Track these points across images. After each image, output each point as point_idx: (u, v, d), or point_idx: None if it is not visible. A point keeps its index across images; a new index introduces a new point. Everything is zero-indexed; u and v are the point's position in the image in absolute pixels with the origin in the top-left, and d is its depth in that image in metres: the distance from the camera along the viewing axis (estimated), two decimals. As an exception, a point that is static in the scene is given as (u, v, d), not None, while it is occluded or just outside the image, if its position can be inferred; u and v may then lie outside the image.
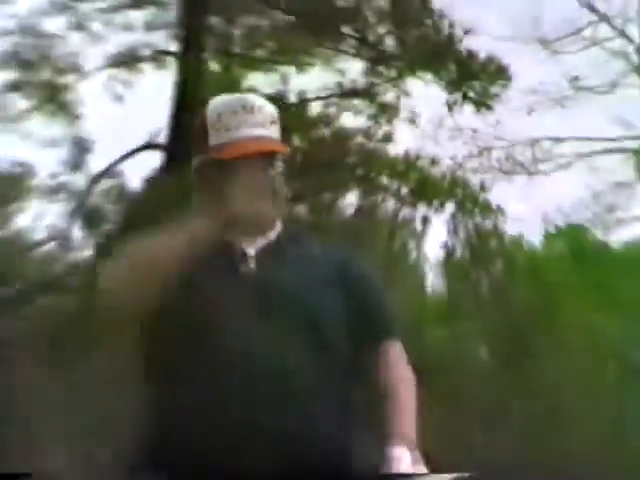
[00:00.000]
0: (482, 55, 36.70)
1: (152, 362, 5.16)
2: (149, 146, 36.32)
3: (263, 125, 5.34)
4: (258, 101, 5.55)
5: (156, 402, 5.02)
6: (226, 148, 5.19)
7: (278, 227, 5.49)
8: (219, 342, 4.97)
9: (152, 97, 37.10)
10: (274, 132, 5.40)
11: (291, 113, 38.39)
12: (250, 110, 5.38)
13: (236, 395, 4.88)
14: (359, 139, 38.36)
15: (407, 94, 37.33)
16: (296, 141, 39.12)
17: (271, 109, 5.50)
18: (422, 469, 4.81)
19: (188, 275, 5.04)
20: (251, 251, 5.26)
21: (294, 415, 4.86)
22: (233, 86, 36.45)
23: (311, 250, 5.52)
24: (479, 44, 38.61)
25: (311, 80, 36.94)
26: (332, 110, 39.07)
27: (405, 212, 40.14)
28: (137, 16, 36.80)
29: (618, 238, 43.02)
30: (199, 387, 4.94)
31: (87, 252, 37.45)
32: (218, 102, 5.38)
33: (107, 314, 5.49)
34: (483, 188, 37.35)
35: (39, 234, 39.49)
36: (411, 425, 5.05)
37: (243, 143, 5.22)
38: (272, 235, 5.43)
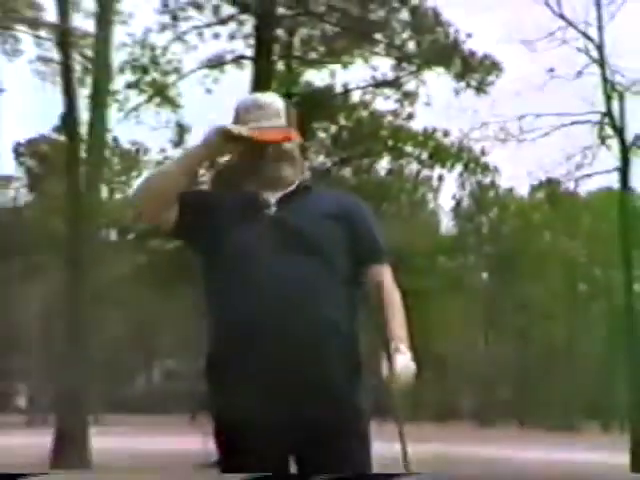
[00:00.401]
0: (480, 53, 40.97)
1: (206, 277, 5.86)
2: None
3: (269, 118, 5.74)
4: (267, 99, 6.05)
5: (207, 309, 5.77)
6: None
7: (294, 184, 5.85)
8: (249, 264, 5.56)
9: (234, 91, 36.64)
10: (278, 122, 5.76)
11: (338, 100, 40.11)
12: (259, 107, 5.85)
13: (263, 300, 5.44)
14: (389, 118, 41.49)
15: (424, 83, 42.06)
16: (342, 120, 40.66)
17: (277, 105, 5.89)
18: (412, 365, 5.38)
19: (228, 214, 5.76)
20: (272, 199, 5.74)
21: (304, 311, 5.43)
22: (294, 81, 42.60)
23: (318, 197, 5.92)
24: (478, 45, 42.98)
25: (352, 74, 39.68)
26: (368, 96, 44.59)
27: (424, 172, 43.73)
28: (222, 30, 40.53)
29: (584, 188, 45.08)
30: (236, 294, 5.55)
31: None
32: (239, 101, 5.95)
33: (136, 217, 6.67)
34: (483, 153, 41.28)
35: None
36: (404, 329, 5.57)
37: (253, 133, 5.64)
38: (287, 188, 5.79)
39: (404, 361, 5.30)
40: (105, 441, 36.82)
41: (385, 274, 5.70)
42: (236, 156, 5.89)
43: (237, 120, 5.77)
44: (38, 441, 34.23)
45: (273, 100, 5.93)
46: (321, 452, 5.46)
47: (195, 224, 5.71)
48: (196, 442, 38.09)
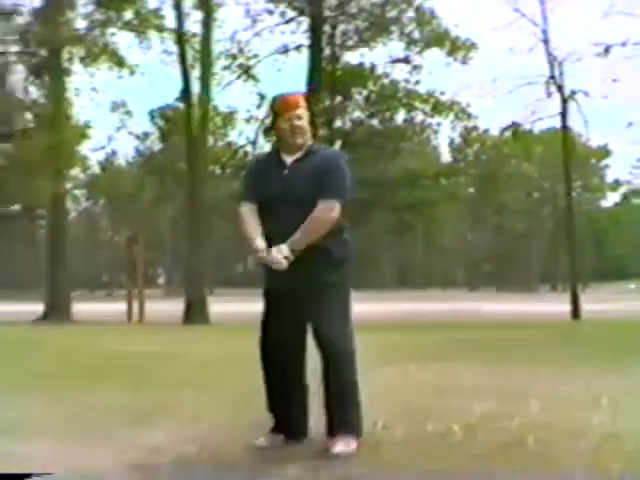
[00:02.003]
0: (463, 38, 40.14)
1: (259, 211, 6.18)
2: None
3: (295, 108, 6.03)
4: (292, 96, 6.28)
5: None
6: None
7: (305, 148, 6.10)
8: (270, 208, 5.99)
9: (297, 70, 38.99)
10: (300, 110, 6.04)
11: (367, 72, 40.22)
12: (285, 101, 6.15)
13: (276, 230, 5.90)
14: (402, 84, 41.70)
15: (425, 59, 42.38)
16: (370, 86, 41.48)
17: (298, 100, 6.18)
18: (284, 261, 5.78)
19: (267, 174, 6.14)
20: (288, 161, 6.11)
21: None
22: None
23: (314, 157, 6.07)
24: (461, 31, 42.57)
25: (376, 55, 39.79)
26: (388, 69, 44.47)
27: (428, 120, 43.64)
28: (286, 28, 41.14)
29: (537, 128, 44.56)
30: (266, 225, 6.00)
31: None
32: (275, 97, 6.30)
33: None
34: (467, 106, 40.06)
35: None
36: (303, 239, 5.82)
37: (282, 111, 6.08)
38: (299, 154, 6.08)
39: (274, 252, 5.77)
40: (217, 306, 37.36)
41: (319, 206, 5.86)
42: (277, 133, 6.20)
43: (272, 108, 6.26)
44: (173, 307, 34.74)
45: (295, 96, 6.21)
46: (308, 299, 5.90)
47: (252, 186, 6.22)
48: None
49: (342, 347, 5.86)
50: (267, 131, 44.81)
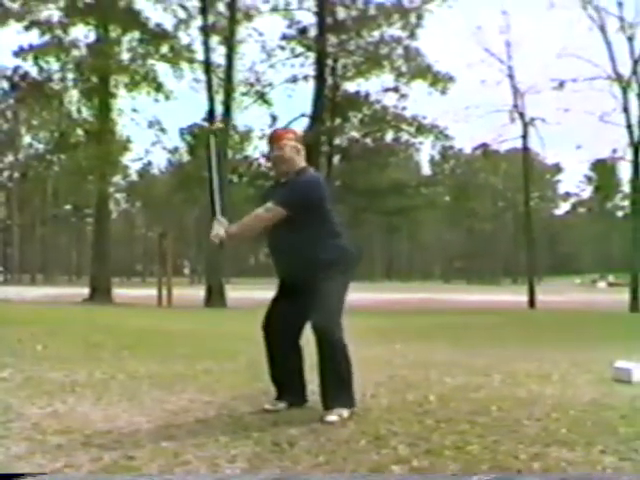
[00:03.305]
0: (443, 72, 39.74)
1: None
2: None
3: (278, 140, 6.03)
4: (278, 131, 6.66)
5: None
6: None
7: (291, 175, 5.99)
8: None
9: (304, 96, 39.48)
10: (282, 142, 6.00)
11: (362, 98, 39.95)
12: (272, 135, 6.31)
13: (274, 248, 6.09)
14: (392, 109, 42.23)
15: (411, 88, 42.77)
16: (365, 110, 41.46)
17: (281, 134, 6.25)
18: (222, 231, 5.98)
19: (271, 191, 6.11)
20: (282, 181, 6.09)
21: (286, 252, 5.97)
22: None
23: (290, 183, 5.94)
24: (441, 66, 42.22)
25: (371, 84, 39.51)
26: (380, 96, 44.35)
27: (412, 140, 43.21)
28: (296, 61, 41.20)
29: (503, 147, 44.14)
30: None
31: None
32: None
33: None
34: (446, 128, 39.78)
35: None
36: (238, 226, 5.99)
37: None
38: (286, 178, 6.00)
39: (217, 222, 5.91)
40: (233, 292, 37.49)
41: (271, 205, 5.81)
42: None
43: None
44: (197, 293, 34.83)
45: (279, 134, 6.22)
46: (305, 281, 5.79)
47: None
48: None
49: (330, 334, 5.72)
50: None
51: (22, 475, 4.07)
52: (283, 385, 6.12)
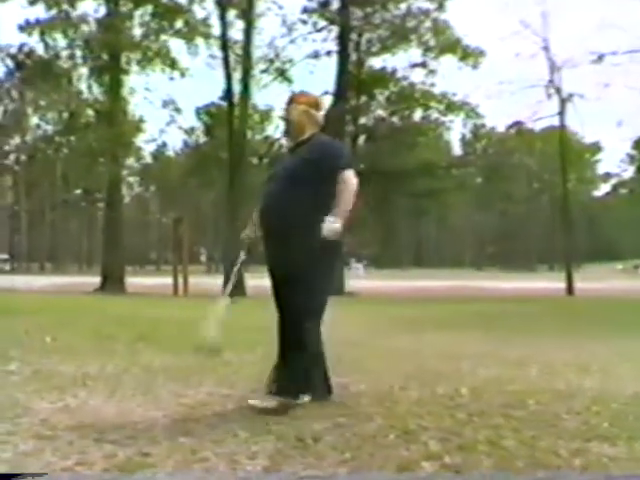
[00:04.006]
0: (473, 45, 41.06)
1: None
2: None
3: (288, 104, 6.21)
4: (294, 94, 6.73)
5: None
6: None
7: (304, 135, 6.18)
8: (270, 183, 6.23)
9: (327, 72, 39.52)
10: (291, 106, 6.16)
11: (389, 75, 39.72)
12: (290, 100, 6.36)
13: (261, 211, 6.18)
14: (420, 85, 43.73)
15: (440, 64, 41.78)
16: (392, 87, 41.95)
17: (292, 97, 6.38)
18: (337, 225, 5.77)
19: (283, 156, 7.29)
20: (292, 145, 6.34)
21: (281, 207, 5.96)
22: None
23: (310, 145, 6.09)
24: (472, 40, 41.40)
25: (397, 60, 39.44)
26: (407, 73, 44.03)
27: (442, 118, 42.92)
28: (318, 36, 40.41)
29: (538, 125, 43.82)
30: (262, 197, 6.23)
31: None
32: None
33: None
34: (477, 106, 39.47)
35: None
36: (338, 208, 5.81)
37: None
38: (300, 139, 6.18)
39: (327, 223, 5.65)
40: (252, 281, 37.46)
41: (345, 175, 5.83)
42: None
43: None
44: (214, 281, 34.84)
45: (296, 95, 6.44)
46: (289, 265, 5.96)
47: None
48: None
49: (303, 319, 5.82)
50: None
51: (22, 475, 4.08)
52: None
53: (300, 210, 5.86)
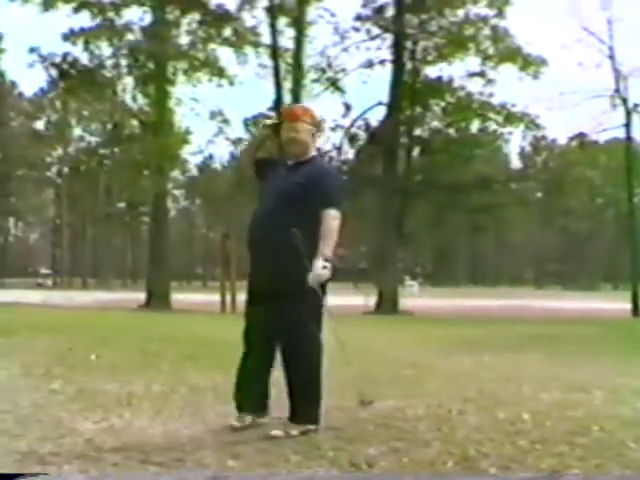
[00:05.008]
0: (534, 54, 41.02)
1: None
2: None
3: (295, 120, 6.30)
4: (296, 108, 7.08)
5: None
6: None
7: (307, 156, 6.33)
8: (263, 201, 6.34)
9: (381, 82, 39.40)
10: (299, 123, 6.26)
11: (445, 85, 39.75)
12: (290, 112, 6.71)
13: (261, 222, 6.21)
14: (477, 96, 43.94)
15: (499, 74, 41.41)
16: (448, 98, 41.57)
17: (300, 114, 6.46)
18: (326, 272, 5.87)
19: (272, 170, 6.43)
20: (289, 165, 6.36)
21: (275, 230, 6.01)
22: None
23: (308, 167, 6.24)
24: (533, 48, 41.45)
25: (454, 69, 39.64)
26: (464, 82, 43.33)
27: (500, 130, 42.55)
28: (371, 44, 40.78)
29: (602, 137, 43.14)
30: (255, 216, 6.34)
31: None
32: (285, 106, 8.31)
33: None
34: (537, 117, 39.13)
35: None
36: (325, 248, 5.91)
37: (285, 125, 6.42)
38: (301, 160, 6.31)
39: (315, 267, 5.76)
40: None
41: (326, 215, 5.96)
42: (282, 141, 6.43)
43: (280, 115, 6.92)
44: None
45: (302, 110, 6.57)
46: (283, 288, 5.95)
47: (259, 174, 6.57)
48: (359, 300, 38.22)
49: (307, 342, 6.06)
50: (352, 139, 46.12)
51: (22, 475, 4.22)
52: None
53: (290, 234, 5.91)
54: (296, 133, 6.23)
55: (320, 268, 5.81)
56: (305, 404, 6.00)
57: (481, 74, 41.23)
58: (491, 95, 41.96)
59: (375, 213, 45.01)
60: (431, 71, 42.92)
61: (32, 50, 41.21)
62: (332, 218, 5.99)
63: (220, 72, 39.58)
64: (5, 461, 4.82)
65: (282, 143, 6.44)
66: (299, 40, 36.94)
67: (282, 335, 6.08)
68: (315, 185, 6.07)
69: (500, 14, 39.93)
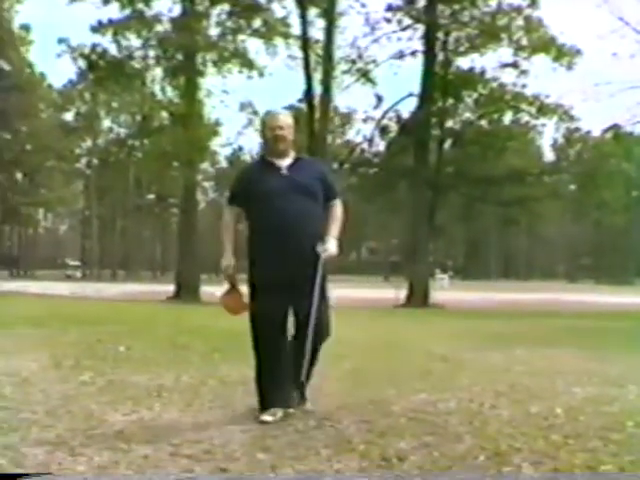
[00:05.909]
0: (568, 44, 40.56)
1: (248, 217, 6.79)
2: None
3: (279, 121, 6.71)
4: (282, 115, 7.04)
5: (250, 224, 6.81)
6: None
7: (293, 155, 6.75)
8: (270, 204, 6.50)
9: (412, 73, 39.63)
10: (282, 124, 6.70)
11: (478, 76, 39.70)
12: (273, 116, 6.85)
13: (277, 226, 6.47)
14: (510, 87, 43.37)
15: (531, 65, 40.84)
16: (480, 89, 41.58)
17: (283, 117, 6.92)
18: (334, 249, 6.55)
19: (258, 176, 6.73)
20: (284, 165, 6.67)
21: (301, 224, 6.46)
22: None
23: (306, 163, 6.83)
24: (567, 38, 40.77)
25: (487, 60, 39.25)
26: (497, 73, 43.00)
27: (533, 121, 42.21)
28: (403, 34, 40.45)
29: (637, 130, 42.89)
30: (262, 225, 6.59)
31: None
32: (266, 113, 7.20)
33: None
34: (571, 108, 38.79)
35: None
36: (337, 230, 6.70)
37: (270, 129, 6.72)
38: (290, 160, 6.70)
39: (328, 244, 6.41)
40: (335, 291, 37.71)
41: (333, 205, 6.77)
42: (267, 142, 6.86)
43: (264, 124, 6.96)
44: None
45: (284, 115, 6.96)
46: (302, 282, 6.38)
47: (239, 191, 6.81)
48: (389, 293, 38.21)
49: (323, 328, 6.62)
50: (383, 130, 45.98)
51: (26, 475, 4.22)
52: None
53: (320, 225, 6.62)
54: (281, 130, 6.69)
55: (335, 246, 6.53)
56: (305, 385, 6.49)
57: (514, 65, 41.00)
58: (524, 86, 41.81)
59: (406, 206, 44.99)
60: (463, 62, 42.88)
61: (61, 41, 42.09)
62: (340, 206, 6.84)
63: (250, 63, 39.60)
64: (36, 452, 4.85)
65: (267, 143, 6.86)
66: (329, 31, 36.59)
67: (302, 319, 6.41)
68: (325, 179, 6.80)
69: (533, 4, 39.64)
